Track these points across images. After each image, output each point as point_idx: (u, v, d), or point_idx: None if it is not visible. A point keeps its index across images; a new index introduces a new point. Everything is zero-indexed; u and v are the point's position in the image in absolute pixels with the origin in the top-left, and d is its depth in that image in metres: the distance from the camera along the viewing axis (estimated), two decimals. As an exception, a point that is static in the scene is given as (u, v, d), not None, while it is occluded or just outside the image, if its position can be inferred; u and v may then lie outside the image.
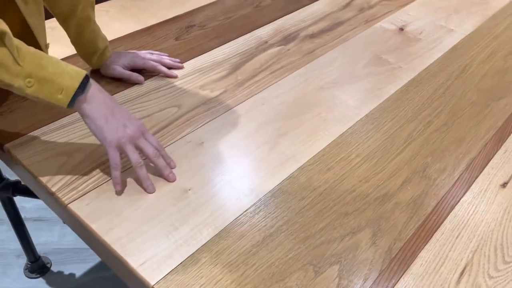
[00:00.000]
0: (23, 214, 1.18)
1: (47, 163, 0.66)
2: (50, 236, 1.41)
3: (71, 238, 1.41)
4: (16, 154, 0.68)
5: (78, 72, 0.59)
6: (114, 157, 0.61)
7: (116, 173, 0.61)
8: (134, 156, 0.62)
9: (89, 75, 0.62)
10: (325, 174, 0.68)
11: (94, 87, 0.61)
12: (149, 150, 0.63)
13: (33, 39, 0.70)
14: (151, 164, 0.65)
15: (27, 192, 1.06)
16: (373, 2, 1.19)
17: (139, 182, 0.63)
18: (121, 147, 0.61)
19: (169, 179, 0.64)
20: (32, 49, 0.57)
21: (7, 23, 0.67)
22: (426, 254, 0.57)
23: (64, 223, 1.44)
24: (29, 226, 1.21)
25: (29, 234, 1.20)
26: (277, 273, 0.54)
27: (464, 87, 0.88)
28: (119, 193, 0.63)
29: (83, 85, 0.59)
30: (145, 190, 0.63)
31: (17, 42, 0.56)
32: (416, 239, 0.59)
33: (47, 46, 0.76)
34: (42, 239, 1.40)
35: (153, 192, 0.63)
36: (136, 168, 0.62)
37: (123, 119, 0.62)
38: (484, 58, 0.98)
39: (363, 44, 1.00)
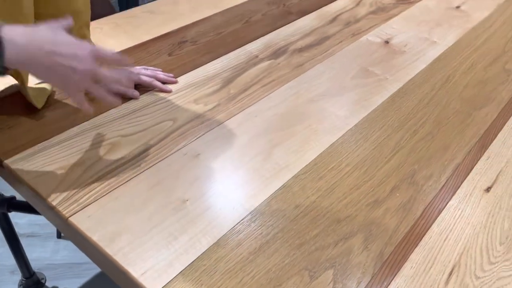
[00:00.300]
0: (16, 230, 1.18)
1: (46, 178, 0.68)
2: (43, 252, 1.41)
3: (65, 254, 1.41)
4: (15, 170, 0.69)
5: None
6: (80, 101, 0.58)
7: (85, 105, 0.59)
8: (98, 92, 0.58)
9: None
10: (317, 183, 0.70)
11: (14, 31, 0.50)
12: (108, 75, 0.58)
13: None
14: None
15: (22, 208, 1.07)
16: (359, 16, 1.24)
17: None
18: (81, 90, 0.57)
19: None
20: None
21: None
22: (416, 257, 0.60)
23: (59, 238, 1.44)
24: (22, 242, 1.21)
25: (23, 250, 1.20)
26: (274, 279, 0.56)
27: (448, 97, 0.92)
28: (119, 201, 0.64)
29: None
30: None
31: None
32: (406, 243, 0.62)
33: None
34: (35, 255, 1.39)
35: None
36: (103, 99, 0.60)
37: (68, 59, 0.53)
38: (466, 69, 1.02)
39: (350, 57, 1.04)
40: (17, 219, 1.51)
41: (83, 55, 0.54)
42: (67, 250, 1.42)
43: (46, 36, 0.52)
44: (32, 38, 0.51)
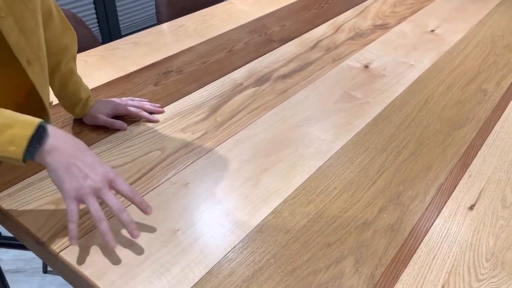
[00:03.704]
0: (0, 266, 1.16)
1: (35, 213, 0.68)
2: (29, 288, 1.37)
3: (51, 288, 1.38)
4: (4, 206, 0.69)
5: (32, 121, 0.56)
6: (71, 210, 0.58)
7: (72, 226, 0.58)
8: (93, 208, 0.58)
9: (48, 123, 0.59)
10: (306, 207, 0.71)
11: (54, 136, 0.58)
12: (112, 203, 0.59)
13: (38, 98, 0.72)
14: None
15: (7, 244, 1.05)
16: (338, 42, 1.28)
17: (101, 235, 0.60)
18: (80, 198, 0.58)
19: (132, 235, 0.60)
20: None
21: (12, 83, 0.68)
22: (406, 277, 0.61)
23: (45, 273, 1.41)
24: (7, 278, 1.18)
25: (9, 287, 1.17)
26: (268, 306, 0.56)
27: (428, 118, 0.95)
28: (112, 233, 0.64)
29: (39, 135, 0.56)
30: (106, 244, 0.59)
31: None
32: (396, 264, 0.63)
33: (50, 104, 0.77)
34: (20, 292, 1.36)
35: (114, 246, 0.59)
36: (96, 222, 0.58)
37: (87, 168, 0.59)
38: (444, 90, 1.06)
39: (332, 82, 1.07)
40: (1, 255, 1.47)
41: (101, 169, 0.60)
42: (54, 285, 1.39)
43: (75, 147, 0.60)
44: (66, 142, 0.59)
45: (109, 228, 0.59)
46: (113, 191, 0.62)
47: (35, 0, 0.66)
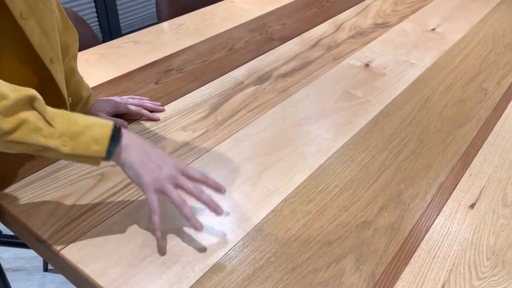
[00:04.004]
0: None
1: (36, 211, 0.68)
2: (29, 286, 1.38)
3: (52, 287, 1.38)
4: (4, 204, 0.69)
5: (107, 122, 0.60)
6: (152, 201, 0.60)
7: (155, 217, 0.60)
8: (174, 194, 0.61)
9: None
10: (307, 206, 0.71)
11: (126, 135, 0.61)
12: (189, 186, 0.62)
13: (60, 95, 0.73)
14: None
15: (7, 242, 1.05)
16: (339, 41, 1.28)
17: (186, 219, 0.61)
18: (160, 189, 0.61)
19: (217, 212, 0.62)
20: (57, 109, 0.58)
21: (38, 82, 0.69)
22: (407, 276, 0.61)
23: (46, 271, 1.41)
24: (7, 276, 1.18)
25: (10, 285, 1.17)
26: (269, 304, 0.57)
27: (429, 117, 0.95)
28: (110, 232, 0.64)
29: (116, 134, 0.59)
30: (193, 228, 0.61)
31: (44, 105, 0.56)
32: (396, 262, 0.63)
33: (68, 100, 0.79)
34: (21, 290, 1.36)
35: (201, 230, 0.61)
36: (179, 206, 0.61)
37: (159, 160, 0.62)
38: (445, 89, 1.06)
39: (333, 81, 1.07)
40: (1, 253, 1.48)
41: (171, 160, 0.63)
42: (55, 284, 1.39)
43: (144, 143, 0.63)
44: (135, 140, 0.62)
45: (193, 212, 0.61)
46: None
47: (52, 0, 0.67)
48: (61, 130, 0.56)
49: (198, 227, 0.60)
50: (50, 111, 0.57)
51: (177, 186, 0.62)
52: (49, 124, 0.55)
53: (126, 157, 0.60)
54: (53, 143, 0.55)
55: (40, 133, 0.55)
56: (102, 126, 0.59)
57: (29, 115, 0.54)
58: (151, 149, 0.63)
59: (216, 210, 0.62)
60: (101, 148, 0.58)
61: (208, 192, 0.64)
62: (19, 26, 0.62)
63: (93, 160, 0.59)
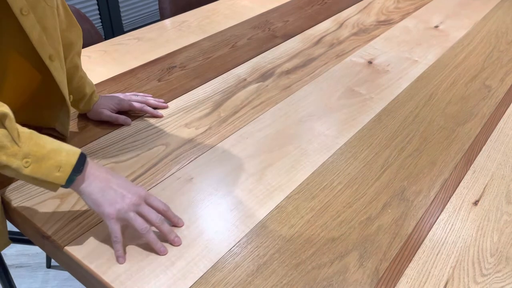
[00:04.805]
0: (5, 261, 1.16)
1: (41, 207, 0.68)
2: (33, 283, 1.38)
3: (55, 284, 1.38)
4: (9, 200, 0.69)
5: (75, 149, 0.59)
6: (114, 230, 0.60)
7: (118, 246, 0.60)
8: (137, 223, 0.60)
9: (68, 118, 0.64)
10: (310, 202, 0.71)
11: (90, 164, 0.61)
12: (152, 216, 0.62)
13: (59, 93, 0.73)
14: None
15: (11, 239, 1.05)
16: (342, 38, 1.27)
17: (151, 246, 0.62)
18: (122, 218, 0.60)
19: (174, 243, 0.63)
20: (27, 129, 0.57)
21: (35, 79, 0.69)
22: (410, 272, 0.61)
23: (49, 268, 1.42)
24: (10, 273, 1.18)
25: (13, 282, 1.18)
26: (273, 300, 0.57)
27: (432, 114, 0.95)
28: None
29: (81, 163, 0.59)
30: (157, 253, 0.61)
31: (15, 123, 0.56)
32: (400, 259, 0.63)
33: (70, 98, 0.78)
34: (24, 286, 1.36)
35: (165, 253, 0.61)
36: (144, 234, 0.61)
37: (121, 188, 0.61)
38: (448, 86, 1.05)
39: (336, 78, 1.07)
40: (4, 249, 1.48)
41: (134, 188, 0.63)
42: (57, 280, 1.39)
43: (107, 172, 0.62)
44: (99, 169, 0.62)
45: (156, 238, 0.62)
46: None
47: None
48: (26, 151, 0.55)
49: (162, 251, 0.61)
50: (20, 130, 0.56)
51: (140, 214, 0.61)
52: (15, 143, 0.54)
53: (86, 187, 0.60)
54: (15, 163, 0.54)
55: (4, 151, 0.54)
56: (69, 153, 0.58)
57: None
58: (114, 178, 0.62)
59: (173, 241, 0.62)
60: (62, 175, 0.57)
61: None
62: (19, 23, 0.61)
63: (51, 186, 0.58)
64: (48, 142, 0.58)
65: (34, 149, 0.56)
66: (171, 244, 0.63)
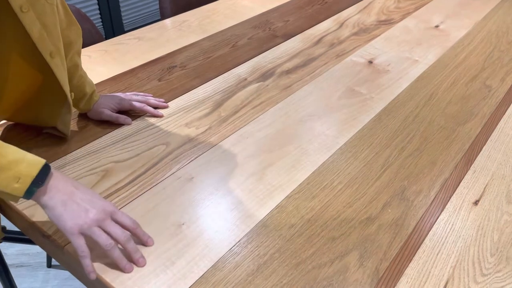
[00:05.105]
0: (6, 261, 1.16)
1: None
2: (33, 282, 1.38)
3: (55, 283, 1.39)
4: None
5: (38, 160, 0.57)
6: (79, 245, 0.57)
7: (86, 261, 0.57)
8: (101, 239, 0.57)
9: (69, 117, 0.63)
10: (311, 202, 0.71)
11: (54, 176, 0.58)
12: (117, 233, 0.58)
13: (61, 90, 0.73)
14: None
15: (12, 238, 1.06)
16: (342, 37, 1.27)
17: (116, 263, 0.59)
18: (85, 232, 0.57)
19: (138, 264, 0.59)
20: None
21: (35, 76, 0.68)
22: (410, 272, 0.61)
23: (49, 267, 1.42)
24: (11, 272, 1.19)
25: (14, 281, 1.18)
26: (273, 299, 0.57)
27: (432, 114, 0.95)
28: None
29: (43, 175, 0.56)
30: (123, 270, 0.58)
31: None
32: (400, 258, 0.63)
33: (71, 96, 0.78)
34: (24, 285, 1.37)
35: (130, 271, 0.58)
36: (107, 251, 0.57)
37: (85, 203, 0.58)
38: (448, 86, 1.05)
39: (336, 78, 1.07)
40: (5, 249, 1.48)
41: (100, 202, 0.60)
42: (58, 280, 1.39)
43: (72, 185, 0.60)
44: (64, 182, 0.59)
45: (121, 254, 0.59)
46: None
47: None
48: None
49: (128, 269, 0.58)
50: None
51: (104, 230, 0.58)
52: None
53: (48, 200, 0.57)
54: None
55: None
56: (30, 164, 0.56)
57: None
58: (79, 192, 0.59)
59: (137, 261, 0.59)
60: (21, 187, 0.55)
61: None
62: (19, 20, 0.62)
63: (10, 197, 0.56)
64: (11, 152, 0.56)
65: None
66: (134, 264, 0.59)
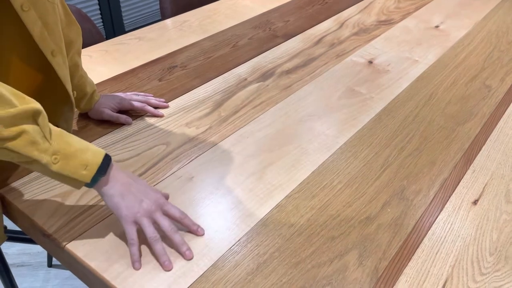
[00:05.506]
0: (7, 260, 1.16)
1: (42, 206, 0.68)
2: (34, 281, 1.39)
3: (56, 282, 1.39)
4: (11, 199, 0.69)
5: (100, 150, 0.61)
6: (130, 233, 0.61)
7: (134, 249, 0.60)
8: (149, 230, 0.61)
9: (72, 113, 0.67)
10: (310, 201, 0.72)
11: (114, 166, 0.62)
12: (165, 224, 0.62)
13: (63, 88, 0.73)
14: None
15: (13, 238, 1.06)
16: (342, 38, 1.28)
17: (156, 257, 0.61)
18: (137, 221, 0.61)
19: (185, 257, 0.61)
20: (57, 128, 0.59)
21: (40, 75, 0.70)
22: (409, 271, 0.61)
23: (50, 267, 1.42)
24: (11, 271, 1.19)
25: (14, 281, 1.18)
26: (273, 298, 0.57)
27: (432, 114, 0.95)
28: (115, 226, 0.65)
29: (105, 164, 0.60)
30: (161, 266, 0.60)
31: (47, 121, 0.57)
32: (399, 257, 0.63)
33: (73, 94, 0.79)
34: (25, 285, 1.37)
35: (170, 269, 0.60)
36: (151, 242, 0.61)
37: (140, 194, 0.62)
38: (448, 86, 1.06)
39: (336, 78, 1.07)
40: (5, 249, 1.48)
41: (153, 194, 0.64)
42: (58, 279, 1.40)
43: (128, 176, 0.64)
44: (121, 173, 0.63)
45: (164, 250, 0.61)
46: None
47: None
48: (56, 148, 0.57)
49: (166, 266, 0.60)
50: (51, 128, 0.58)
51: (154, 221, 0.62)
52: (47, 140, 0.56)
53: (108, 188, 0.61)
54: (45, 158, 0.56)
55: (36, 147, 0.55)
56: (95, 153, 0.60)
57: (30, 127, 0.55)
58: (135, 182, 0.63)
59: (184, 254, 0.61)
60: (88, 174, 0.58)
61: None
62: (20, 19, 0.62)
63: (76, 183, 0.59)
64: (76, 141, 0.59)
65: (63, 147, 0.57)
66: (182, 256, 0.61)
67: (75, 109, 0.89)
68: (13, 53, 0.65)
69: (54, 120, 0.79)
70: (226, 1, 1.51)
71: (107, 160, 0.61)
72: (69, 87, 0.73)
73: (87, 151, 0.59)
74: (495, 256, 0.64)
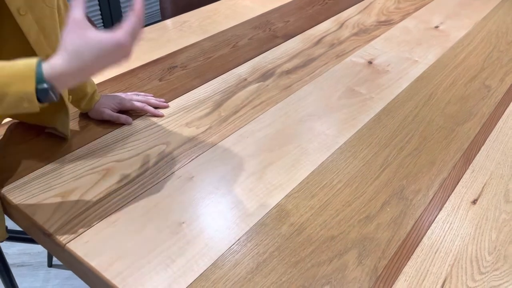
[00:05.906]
0: (7, 260, 1.17)
1: (42, 205, 0.69)
2: (34, 281, 1.39)
3: (56, 282, 1.39)
4: (11, 198, 0.70)
5: (27, 65, 0.51)
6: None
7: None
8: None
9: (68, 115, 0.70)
10: (310, 201, 0.72)
11: (54, 67, 0.53)
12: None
13: (32, 53, 0.68)
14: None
15: (13, 237, 1.06)
16: (342, 38, 1.28)
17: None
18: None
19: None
20: None
21: (6, 38, 0.66)
22: (409, 270, 0.62)
23: (50, 266, 1.42)
24: (12, 271, 1.19)
25: (15, 280, 1.18)
26: (272, 297, 0.57)
27: (431, 114, 0.96)
28: (116, 226, 0.65)
29: (40, 76, 0.52)
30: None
31: None
32: (399, 257, 0.63)
33: (69, 99, 0.77)
34: (25, 285, 1.37)
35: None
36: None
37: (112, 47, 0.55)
38: (448, 86, 1.06)
39: (336, 78, 1.07)
40: (6, 249, 1.49)
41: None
42: (59, 279, 1.40)
43: (80, 47, 0.54)
44: (71, 58, 0.53)
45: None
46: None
47: None
48: None
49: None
50: None
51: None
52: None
53: (76, 75, 0.54)
54: None
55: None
56: (24, 77, 0.52)
57: None
58: (87, 44, 0.55)
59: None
60: (32, 105, 0.53)
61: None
62: (16, 23, 0.62)
63: (30, 107, 0.53)
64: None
65: None
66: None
67: (76, 109, 0.89)
68: (10, 57, 0.65)
69: (51, 123, 0.80)
70: (226, 1, 1.52)
71: (39, 70, 0.52)
72: (64, 92, 0.73)
73: (13, 82, 0.51)
74: (494, 255, 0.65)
